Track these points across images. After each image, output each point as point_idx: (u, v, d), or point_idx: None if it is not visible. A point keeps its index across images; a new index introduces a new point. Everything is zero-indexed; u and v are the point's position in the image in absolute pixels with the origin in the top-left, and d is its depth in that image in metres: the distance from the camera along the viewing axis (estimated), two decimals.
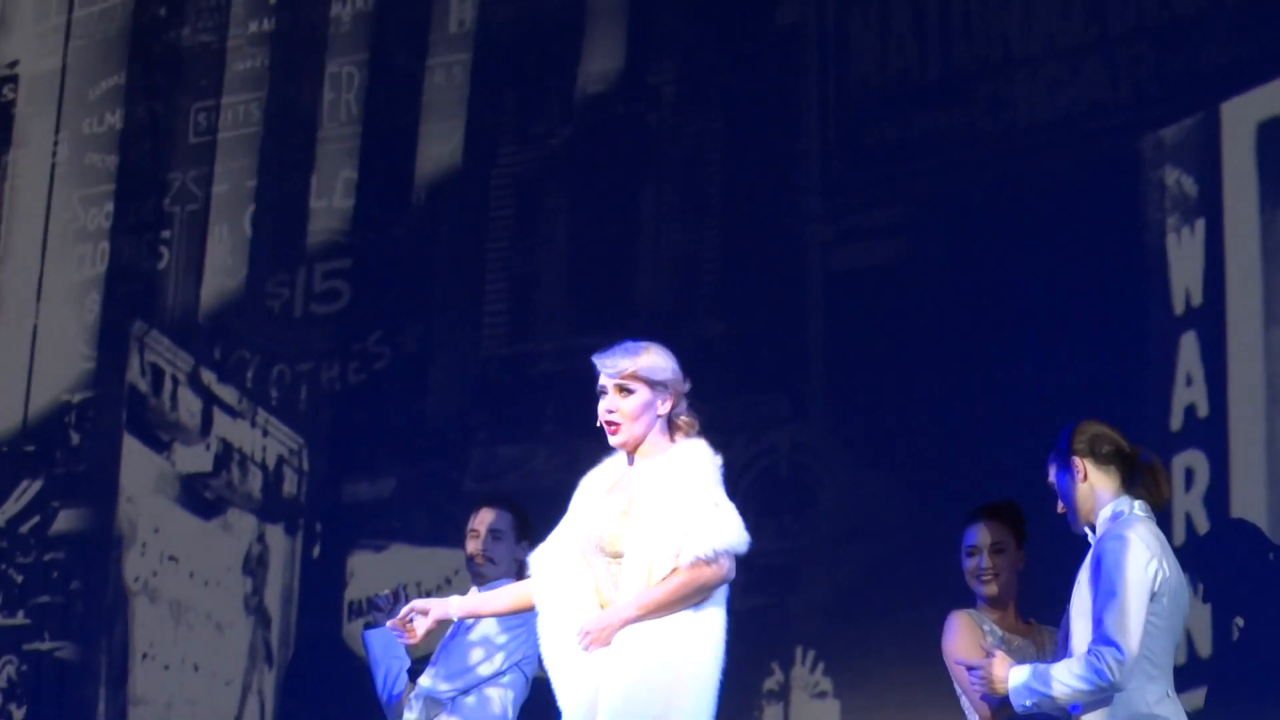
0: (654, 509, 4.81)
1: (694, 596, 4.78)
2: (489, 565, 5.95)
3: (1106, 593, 4.76)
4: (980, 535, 5.47)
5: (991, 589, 5.45)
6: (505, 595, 5.27)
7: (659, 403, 4.91)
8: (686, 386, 4.97)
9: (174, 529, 7.97)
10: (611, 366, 4.91)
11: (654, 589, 4.77)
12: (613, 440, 4.94)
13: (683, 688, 4.74)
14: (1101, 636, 4.75)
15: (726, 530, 4.79)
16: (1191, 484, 6.14)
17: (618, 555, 4.85)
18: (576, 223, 7.53)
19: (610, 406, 4.92)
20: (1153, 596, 4.79)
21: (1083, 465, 4.97)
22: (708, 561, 4.74)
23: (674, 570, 4.77)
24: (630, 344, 4.95)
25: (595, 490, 5.02)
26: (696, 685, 4.77)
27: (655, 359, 4.92)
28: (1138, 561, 4.78)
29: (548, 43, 7.69)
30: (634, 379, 4.89)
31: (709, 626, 4.82)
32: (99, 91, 8.54)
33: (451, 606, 5.19)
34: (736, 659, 4.98)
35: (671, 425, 4.95)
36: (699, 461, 4.87)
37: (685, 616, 4.77)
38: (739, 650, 5.00)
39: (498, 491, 6.61)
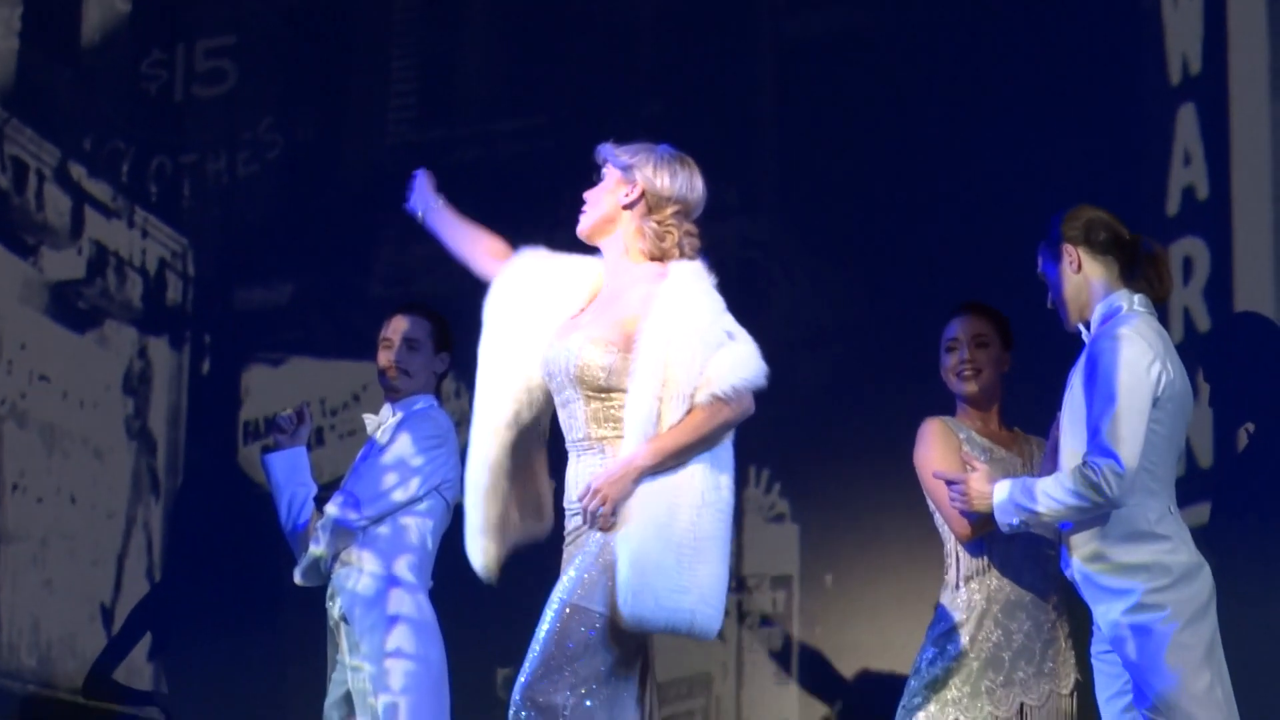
0: (664, 341, 4.56)
1: (713, 438, 4.56)
2: (404, 379, 5.82)
3: (1103, 398, 4.60)
4: (961, 327, 5.36)
5: (971, 386, 5.33)
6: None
7: (624, 192, 4.72)
8: (674, 199, 4.70)
9: (43, 344, 7.72)
10: (598, 154, 4.80)
11: (670, 432, 4.52)
12: (579, 230, 4.78)
13: (703, 539, 4.50)
14: (1098, 446, 4.59)
15: (746, 363, 4.58)
16: (1190, 275, 5.96)
17: (602, 390, 4.59)
18: None
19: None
20: (1155, 402, 4.63)
21: (1076, 254, 4.82)
22: (727, 399, 4.54)
23: (690, 410, 4.54)
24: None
25: (540, 306, 4.78)
26: (716, 535, 4.53)
27: (640, 153, 4.73)
28: (1138, 362, 4.62)
29: None
30: (605, 164, 4.77)
31: (723, 472, 4.59)
32: None
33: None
34: None
35: (647, 236, 4.71)
36: (704, 287, 4.65)
37: (700, 465, 4.55)
38: None
39: (412, 297, 6.39)
